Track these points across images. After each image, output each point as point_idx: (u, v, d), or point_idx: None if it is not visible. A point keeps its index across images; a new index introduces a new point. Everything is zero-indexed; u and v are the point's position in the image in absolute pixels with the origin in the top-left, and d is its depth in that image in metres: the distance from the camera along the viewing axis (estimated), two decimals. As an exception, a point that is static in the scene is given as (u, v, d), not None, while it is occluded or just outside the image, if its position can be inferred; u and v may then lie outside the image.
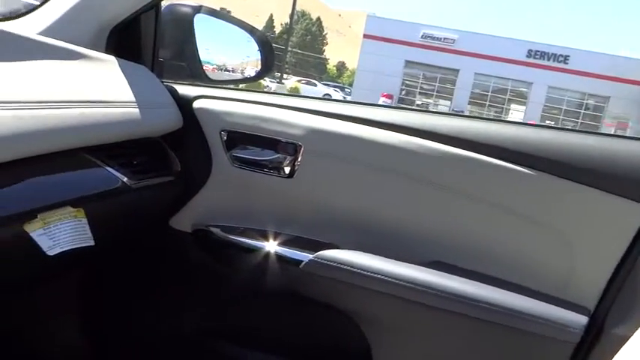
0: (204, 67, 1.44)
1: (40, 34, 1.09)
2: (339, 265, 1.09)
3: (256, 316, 1.30)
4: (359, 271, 1.08)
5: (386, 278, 1.06)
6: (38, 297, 1.26)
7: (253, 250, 1.20)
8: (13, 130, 0.77)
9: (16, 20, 1.12)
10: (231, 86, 1.49)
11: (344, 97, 32.38)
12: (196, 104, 1.22)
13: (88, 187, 0.96)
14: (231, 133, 1.21)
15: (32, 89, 0.87)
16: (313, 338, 1.29)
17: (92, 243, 0.90)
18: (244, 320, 1.31)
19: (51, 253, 0.82)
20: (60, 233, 0.85)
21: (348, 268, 1.08)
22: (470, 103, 32.20)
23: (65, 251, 0.84)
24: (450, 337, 1.12)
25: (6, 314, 1.21)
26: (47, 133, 0.84)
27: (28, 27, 1.09)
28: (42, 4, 1.14)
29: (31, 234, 0.80)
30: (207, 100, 1.23)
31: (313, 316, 1.25)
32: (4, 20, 1.10)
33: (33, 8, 1.13)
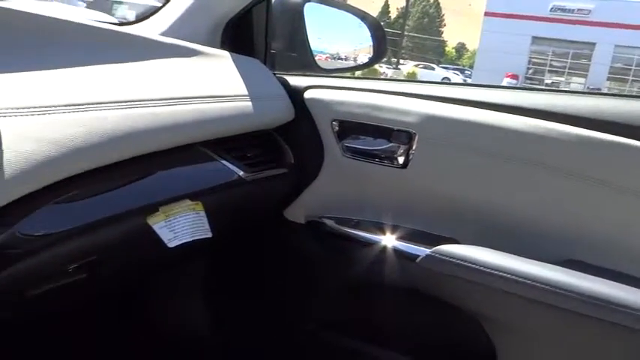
0: (316, 57, 1.43)
1: (162, 34, 1.14)
2: (459, 261, 1.02)
3: (371, 311, 1.27)
4: (481, 268, 1.00)
5: (512, 277, 0.97)
6: (161, 283, 1.34)
7: (367, 242, 1.17)
8: (132, 128, 0.81)
9: (141, 23, 1.19)
10: (344, 75, 1.46)
11: (464, 80, 31.11)
12: (307, 94, 1.21)
13: (206, 180, 0.99)
14: (342, 122, 1.19)
15: (153, 88, 0.91)
16: (431, 336, 1.23)
17: (210, 235, 0.93)
18: (358, 314, 1.29)
19: (171, 245, 0.85)
20: (180, 226, 0.88)
21: (469, 264, 1.01)
22: (609, 79, 29.20)
23: (184, 243, 0.87)
24: (584, 343, 1.00)
25: (133, 298, 1.31)
26: (165, 130, 0.88)
27: (151, 29, 1.15)
28: (163, 5, 1.20)
29: (154, 226, 0.84)
30: (317, 90, 1.22)
31: (431, 313, 1.19)
32: (130, 24, 1.17)
33: (155, 10, 1.19)
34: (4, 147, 0.63)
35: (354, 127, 1.18)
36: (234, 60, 1.17)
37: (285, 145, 1.22)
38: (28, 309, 0.84)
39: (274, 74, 1.24)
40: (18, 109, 0.68)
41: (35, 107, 0.70)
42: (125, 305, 1.35)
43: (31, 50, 0.81)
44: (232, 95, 1.07)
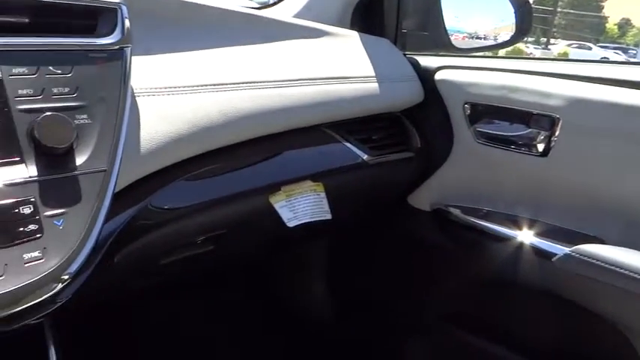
0: (452, 36, 1.35)
1: (295, 16, 1.16)
2: (602, 263, 0.90)
3: (496, 309, 1.19)
4: (629, 273, 0.87)
5: None
6: (281, 261, 1.38)
7: (497, 236, 1.09)
8: (261, 109, 0.83)
9: (278, 5, 1.21)
10: (479, 54, 1.36)
11: (627, 60, 27.75)
12: (438, 75, 1.15)
13: (328, 162, 0.99)
14: (475, 105, 1.11)
15: (282, 69, 0.92)
16: (564, 343, 1.11)
17: (329, 217, 0.93)
18: (482, 311, 1.21)
19: (290, 224, 0.86)
20: (300, 206, 0.89)
21: (615, 268, 0.89)
22: None
23: (304, 223, 0.88)
24: None
25: (256, 274, 1.36)
26: (292, 111, 0.88)
27: (285, 11, 1.17)
28: (297, -13, 1.21)
29: (275, 205, 0.86)
30: (449, 71, 1.15)
31: (566, 318, 1.07)
32: (268, 7, 1.20)
33: (289, -7, 1.21)
34: (141, 124, 0.68)
35: (488, 111, 1.10)
36: (363, 40, 1.15)
37: (412, 129, 1.17)
38: (162, 276, 0.91)
39: (404, 54, 1.20)
40: (155, 89, 0.73)
41: (169, 87, 0.74)
42: (248, 279, 1.42)
43: (177, 34, 0.86)
44: (360, 76, 1.05)
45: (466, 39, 1.74)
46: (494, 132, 1.09)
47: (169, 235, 0.77)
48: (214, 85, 0.79)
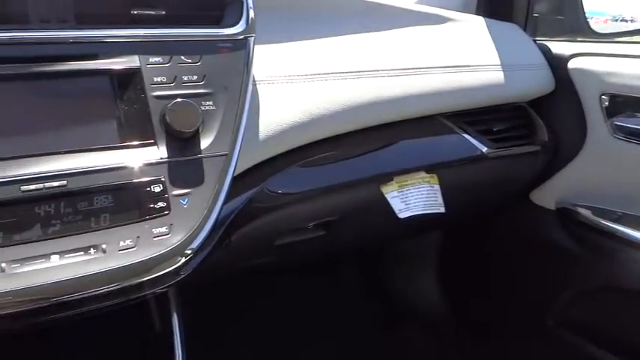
0: (592, 20, 1.23)
1: (418, 2, 1.13)
2: None
3: (622, 319, 1.08)
4: None
5: None
6: (393, 251, 1.36)
7: (632, 242, 0.98)
8: (378, 97, 0.82)
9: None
10: (619, 40, 1.22)
11: None
12: (572, 64, 1.05)
13: (444, 153, 0.96)
14: (614, 97, 1.00)
15: (401, 57, 0.91)
16: None
17: (443, 210, 0.90)
18: (606, 320, 1.11)
19: (401, 215, 0.85)
20: (412, 197, 0.87)
21: None
22: None
23: (415, 215, 0.86)
24: None
25: (368, 262, 1.36)
26: (410, 100, 0.87)
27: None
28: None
29: (386, 195, 0.85)
30: (585, 59, 1.05)
31: None
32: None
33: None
34: (261, 111, 0.71)
35: (630, 103, 0.99)
36: (489, 26, 1.09)
37: (539, 121, 1.10)
38: (275, 257, 0.95)
39: (534, 41, 1.12)
40: (274, 77, 0.75)
41: (288, 76, 0.76)
42: (358, 268, 1.43)
43: (296, 23, 0.88)
44: (485, 64, 1.00)
45: (608, 22, 1.57)
46: (636, 127, 0.98)
47: (283, 218, 0.80)
48: (332, 73, 0.80)
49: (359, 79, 0.83)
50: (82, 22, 0.62)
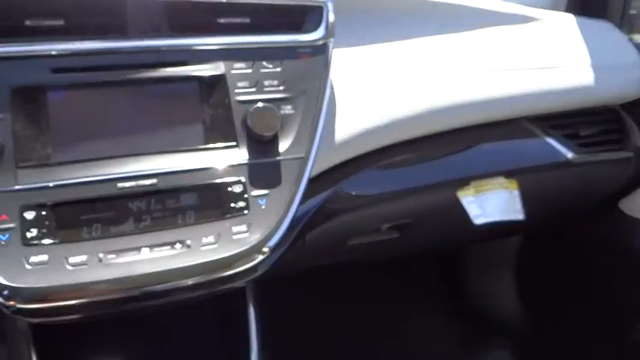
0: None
1: (504, 0, 1.09)
2: None
3: None
4: None
5: None
6: (470, 257, 1.33)
7: None
8: (457, 100, 0.81)
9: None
10: None
11: None
12: None
13: (525, 158, 0.92)
14: None
15: (482, 58, 0.88)
16: None
17: (521, 217, 0.87)
18: None
19: (477, 221, 0.83)
20: (489, 203, 0.85)
21: None
22: None
23: (492, 222, 0.84)
24: None
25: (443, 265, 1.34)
26: (491, 102, 0.85)
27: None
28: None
29: (462, 200, 0.84)
30: None
31: None
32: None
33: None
34: (338, 115, 0.73)
35: None
36: (580, 24, 1.03)
37: (633, 125, 1.03)
38: (349, 256, 0.97)
39: (630, 39, 1.05)
40: (351, 80, 0.76)
41: (366, 79, 0.77)
42: (433, 271, 1.41)
43: (374, 26, 0.88)
44: (574, 65, 0.95)
45: None
46: None
47: (357, 220, 0.81)
48: (411, 76, 0.80)
49: (440, 81, 0.82)
50: (174, 31, 0.67)
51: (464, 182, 0.85)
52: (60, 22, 0.62)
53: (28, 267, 0.54)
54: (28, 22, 0.61)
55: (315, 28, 0.71)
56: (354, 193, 0.78)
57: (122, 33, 0.65)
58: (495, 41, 0.94)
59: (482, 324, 1.41)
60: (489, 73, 0.87)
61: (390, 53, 0.84)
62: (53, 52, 0.62)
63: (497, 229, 0.88)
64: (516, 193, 0.87)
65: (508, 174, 0.88)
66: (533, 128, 0.92)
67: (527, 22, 1.01)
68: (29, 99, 0.59)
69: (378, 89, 0.77)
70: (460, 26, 0.93)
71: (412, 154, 0.81)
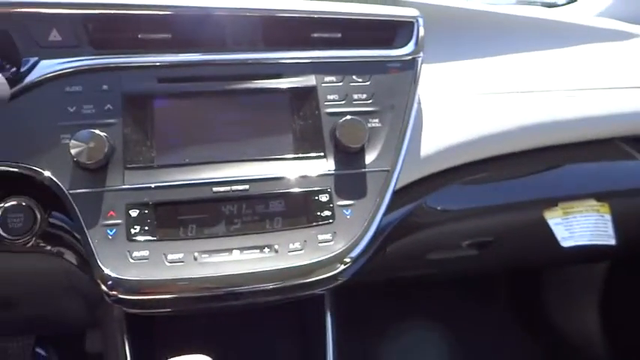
0: None
1: (598, 15, 1.05)
2: None
3: None
4: None
5: None
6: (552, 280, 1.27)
7: None
8: (546, 118, 0.79)
9: (574, 4, 1.11)
10: None
11: None
12: None
13: (618, 180, 0.88)
14: None
15: (576, 76, 0.86)
16: None
17: (613, 242, 0.83)
18: None
19: (565, 244, 0.80)
20: (578, 226, 0.82)
21: None
22: None
23: (580, 245, 0.81)
24: None
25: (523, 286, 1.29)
26: (584, 121, 0.82)
27: (585, 9, 1.07)
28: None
29: (549, 221, 0.81)
30: None
31: None
32: (561, 6, 1.12)
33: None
34: (424, 129, 0.73)
35: None
36: None
37: None
38: (426, 270, 0.96)
39: None
40: (439, 95, 0.77)
41: (453, 94, 0.77)
42: (513, 292, 1.36)
43: (462, 41, 0.88)
44: None
45: None
46: None
47: (438, 234, 0.81)
48: (501, 92, 0.79)
49: (531, 98, 0.80)
50: (269, 45, 0.70)
51: (551, 203, 0.82)
52: (167, 36, 0.68)
53: (132, 261, 0.58)
54: (140, 36, 0.67)
55: (405, 43, 0.73)
56: (439, 207, 0.77)
57: (221, 46, 0.69)
58: (591, 58, 0.91)
59: (560, 349, 1.34)
60: (583, 91, 0.84)
61: (479, 69, 0.84)
62: (160, 64, 0.67)
63: (586, 254, 0.84)
64: (608, 217, 0.83)
65: (599, 196, 0.84)
66: (628, 149, 0.88)
67: (625, 38, 0.96)
68: (138, 106, 0.65)
69: (466, 105, 0.77)
70: (555, 43, 0.91)
71: (499, 171, 0.80)
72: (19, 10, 0.64)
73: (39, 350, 1.21)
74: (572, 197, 0.83)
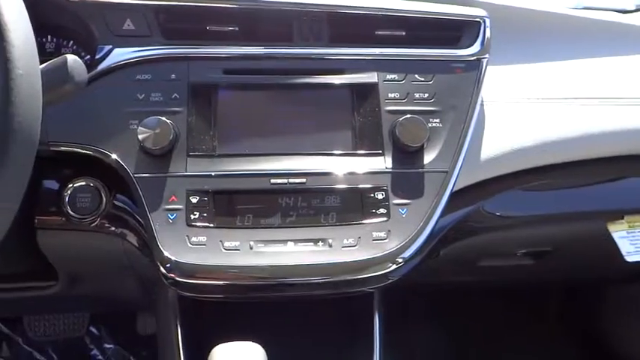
0: None
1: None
2: None
3: None
4: None
5: None
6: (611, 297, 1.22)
7: None
8: (612, 127, 0.76)
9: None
10: None
11: None
12: None
13: None
14: None
15: None
16: None
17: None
18: None
19: (629, 259, 0.77)
20: (645, 240, 0.78)
21: None
22: None
23: (644, 260, 0.77)
24: None
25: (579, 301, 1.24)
26: None
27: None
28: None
29: (613, 234, 0.78)
30: None
31: None
32: (625, 12, 1.07)
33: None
34: (485, 132, 0.71)
35: None
36: None
37: None
38: (476, 277, 0.94)
39: None
40: (503, 98, 0.75)
41: (518, 98, 0.75)
42: (562, 304, 1.31)
43: (531, 44, 0.85)
44: None
45: None
46: None
47: (493, 241, 0.79)
48: (567, 98, 0.76)
49: (600, 105, 0.77)
50: (333, 41, 0.70)
51: (616, 215, 0.79)
52: (235, 28, 0.69)
53: (190, 245, 0.60)
54: (208, 27, 0.69)
55: (471, 43, 0.71)
56: (496, 213, 0.75)
57: (287, 40, 0.70)
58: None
59: None
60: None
61: (543, 74, 0.81)
62: (226, 55, 0.69)
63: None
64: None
65: None
66: None
67: None
68: (203, 96, 0.66)
69: (530, 110, 0.75)
70: (626, 48, 0.87)
71: (562, 179, 0.77)
72: (97, 0, 0.67)
73: (92, 329, 1.27)
74: (638, 211, 0.79)
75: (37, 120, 0.43)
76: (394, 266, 0.63)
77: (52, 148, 0.64)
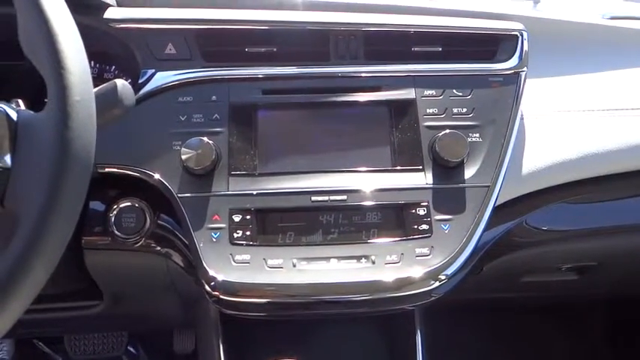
0: None
1: None
2: None
3: None
4: None
5: None
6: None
7: None
8: None
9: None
10: None
11: None
12: None
13: None
14: None
15: None
16: None
17: None
18: None
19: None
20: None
21: None
22: None
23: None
24: None
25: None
26: None
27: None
28: None
29: None
30: None
31: None
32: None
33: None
34: (526, 146, 0.70)
35: None
36: None
37: None
38: (518, 294, 0.91)
39: None
40: (543, 111, 0.74)
41: (558, 111, 0.74)
42: (606, 320, 1.27)
43: (571, 55, 0.84)
44: None
45: None
46: None
47: (537, 255, 0.77)
48: (608, 109, 0.75)
49: (638, 116, 0.75)
50: (370, 59, 0.71)
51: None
52: (273, 49, 0.70)
53: (234, 264, 0.60)
54: (247, 49, 0.70)
55: (509, 57, 0.71)
56: (541, 227, 0.74)
57: (324, 59, 0.71)
58: None
59: None
60: None
61: (583, 85, 0.80)
62: (264, 76, 0.70)
63: None
64: None
65: None
66: None
67: None
68: (243, 116, 0.67)
69: (570, 122, 0.73)
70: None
71: (606, 192, 0.75)
72: (140, 25, 0.69)
73: (130, 348, 1.28)
74: None
75: (92, 144, 0.45)
76: (437, 283, 0.62)
77: (98, 170, 0.65)
